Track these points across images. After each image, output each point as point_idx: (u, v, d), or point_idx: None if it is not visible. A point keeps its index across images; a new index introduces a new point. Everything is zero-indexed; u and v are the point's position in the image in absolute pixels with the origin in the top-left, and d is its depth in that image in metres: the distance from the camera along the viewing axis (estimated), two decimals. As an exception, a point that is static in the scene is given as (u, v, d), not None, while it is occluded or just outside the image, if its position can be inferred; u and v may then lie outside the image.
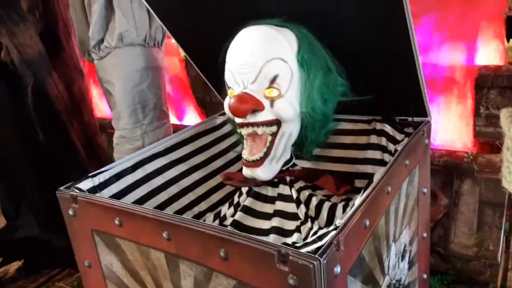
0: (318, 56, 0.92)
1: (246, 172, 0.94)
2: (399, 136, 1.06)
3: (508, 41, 1.59)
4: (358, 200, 0.73)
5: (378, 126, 1.11)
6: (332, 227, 0.66)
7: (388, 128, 1.08)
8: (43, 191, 1.79)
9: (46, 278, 1.82)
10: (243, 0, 1.00)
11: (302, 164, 1.10)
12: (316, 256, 0.58)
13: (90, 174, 1.00)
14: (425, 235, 1.15)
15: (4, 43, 1.60)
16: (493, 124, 1.51)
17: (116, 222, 0.85)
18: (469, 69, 1.51)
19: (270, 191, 1.04)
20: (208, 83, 1.34)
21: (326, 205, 0.97)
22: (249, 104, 0.87)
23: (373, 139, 1.13)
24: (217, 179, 1.27)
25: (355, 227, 0.68)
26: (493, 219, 1.31)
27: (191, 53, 1.29)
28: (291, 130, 0.93)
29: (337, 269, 0.63)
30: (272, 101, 0.89)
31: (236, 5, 1.01)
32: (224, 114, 1.38)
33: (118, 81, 1.22)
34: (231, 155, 1.34)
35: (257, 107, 0.88)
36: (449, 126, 1.56)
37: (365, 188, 0.80)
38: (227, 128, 1.36)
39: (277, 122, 0.91)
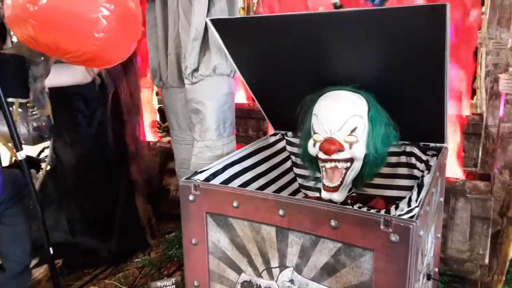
0: (381, 114, 1.28)
1: (325, 195, 1.27)
2: (424, 157, 1.41)
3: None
4: (423, 189, 1.07)
5: (408, 148, 1.47)
6: (413, 206, 0.98)
7: (416, 151, 1.44)
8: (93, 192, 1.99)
9: (91, 277, 1.94)
10: (323, 70, 1.35)
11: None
12: (414, 220, 0.90)
13: (198, 171, 1.26)
14: (439, 235, 1.49)
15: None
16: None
17: (234, 204, 1.11)
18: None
19: None
20: (267, 119, 1.69)
21: (382, 212, 1.32)
22: (337, 146, 1.22)
23: (403, 159, 1.48)
24: (277, 185, 1.57)
25: (424, 209, 1.01)
26: (482, 229, 1.69)
27: (261, 102, 1.62)
28: (358, 166, 1.28)
29: (421, 232, 0.94)
30: (350, 144, 1.23)
31: (314, 74, 1.36)
32: (274, 135, 1.70)
33: (209, 101, 1.52)
34: (282, 167, 1.65)
35: (341, 149, 1.23)
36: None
37: (419, 186, 1.13)
38: (278, 146, 1.68)
39: (351, 160, 1.25)
